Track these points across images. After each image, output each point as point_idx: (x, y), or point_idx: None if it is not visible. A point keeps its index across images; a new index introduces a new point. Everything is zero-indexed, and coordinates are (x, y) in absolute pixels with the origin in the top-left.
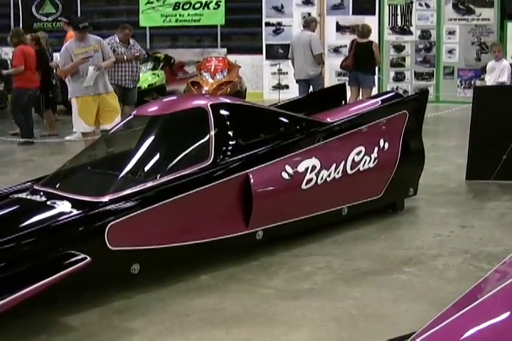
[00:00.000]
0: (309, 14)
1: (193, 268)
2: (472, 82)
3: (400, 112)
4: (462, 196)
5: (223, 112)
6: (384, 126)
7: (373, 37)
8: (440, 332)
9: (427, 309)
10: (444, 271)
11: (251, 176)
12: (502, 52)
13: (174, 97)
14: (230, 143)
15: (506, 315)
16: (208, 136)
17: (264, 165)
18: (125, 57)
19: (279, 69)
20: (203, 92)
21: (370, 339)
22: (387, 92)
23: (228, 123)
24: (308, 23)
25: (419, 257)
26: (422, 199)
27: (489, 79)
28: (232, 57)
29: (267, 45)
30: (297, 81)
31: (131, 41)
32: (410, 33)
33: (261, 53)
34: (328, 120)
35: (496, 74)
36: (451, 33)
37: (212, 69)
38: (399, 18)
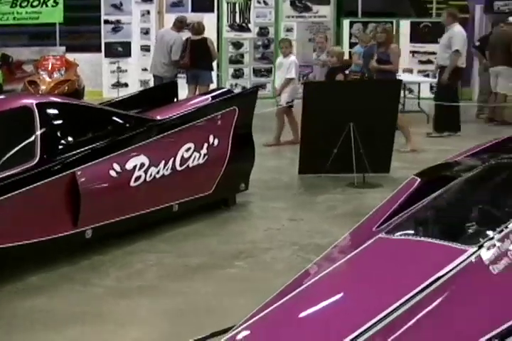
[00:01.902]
0: (148, 12)
1: (22, 270)
2: (306, 78)
3: (229, 108)
4: (294, 190)
5: (50, 111)
6: (214, 122)
7: (212, 34)
8: (260, 320)
9: (255, 301)
10: (273, 264)
11: (78, 175)
12: (290, 48)
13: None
14: (57, 142)
15: (325, 302)
16: (33, 136)
17: (91, 163)
18: None
19: (119, 67)
20: (40, 91)
21: (198, 333)
22: (218, 89)
23: (55, 122)
24: (177, 23)
25: (250, 251)
26: (255, 194)
27: (278, 76)
28: (71, 56)
29: (106, 43)
30: (153, 76)
31: None
32: (249, 30)
33: (100, 51)
34: (158, 117)
35: (284, 70)
36: (289, 30)
37: (49, 68)
38: (237, 15)
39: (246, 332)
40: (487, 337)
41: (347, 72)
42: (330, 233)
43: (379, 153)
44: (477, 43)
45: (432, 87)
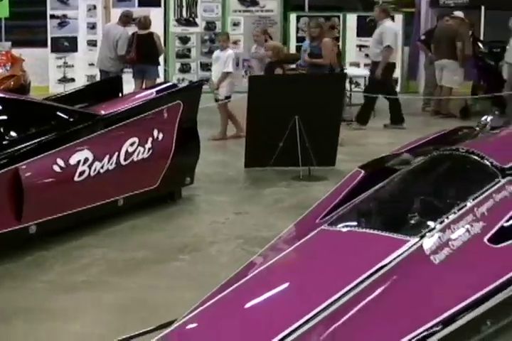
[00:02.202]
0: (95, 7)
1: None
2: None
3: (174, 102)
4: (240, 184)
5: None
6: (158, 116)
7: (159, 29)
8: (202, 313)
9: (200, 295)
10: (218, 257)
11: (21, 170)
12: (227, 42)
13: None
14: (1, 137)
15: (268, 293)
16: None
17: (35, 158)
18: None
19: (65, 63)
20: None
21: (143, 328)
22: (163, 83)
23: None
24: (123, 17)
25: (195, 245)
26: (201, 188)
27: (215, 69)
28: (17, 51)
29: (52, 38)
30: (100, 70)
31: None
32: (196, 24)
33: (46, 46)
34: (102, 112)
35: (221, 63)
36: (236, 24)
37: None
38: (184, 9)
39: (188, 325)
40: (429, 324)
41: (293, 66)
42: (275, 226)
43: (324, 147)
44: (422, 37)
45: None
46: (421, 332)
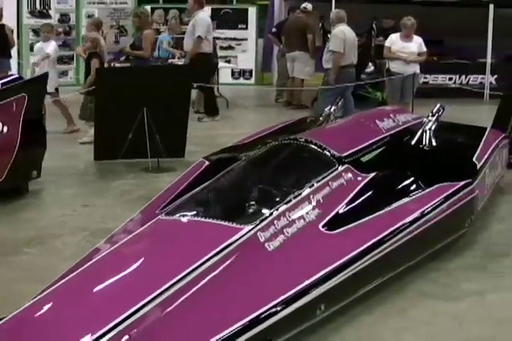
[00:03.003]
0: None
1: None
2: (112, 65)
3: (18, 95)
4: (89, 176)
5: None
6: (2, 109)
7: (11, 21)
8: (42, 300)
9: (39, 287)
10: (63, 250)
11: None
12: (51, 33)
13: None
14: None
15: (104, 281)
16: None
17: None
18: None
19: None
20: None
21: None
22: (8, 76)
23: None
24: None
25: (41, 238)
26: (49, 181)
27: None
28: None
29: None
30: None
31: None
32: (49, 16)
33: None
34: None
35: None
36: (90, 16)
37: None
38: (38, 1)
39: (27, 312)
40: (265, 308)
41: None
42: (122, 217)
43: (173, 138)
44: (274, 30)
45: (233, 73)
46: (256, 316)
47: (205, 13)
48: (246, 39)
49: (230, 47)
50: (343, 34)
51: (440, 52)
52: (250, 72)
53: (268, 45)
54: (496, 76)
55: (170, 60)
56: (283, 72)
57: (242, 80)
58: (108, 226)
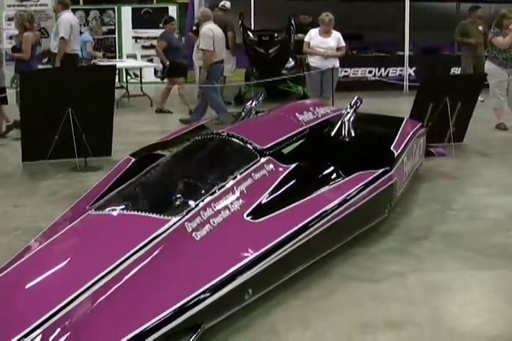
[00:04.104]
0: None
1: None
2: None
3: None
4: (18, 177)
5: None
6: None
7: None
8: None
9: None
10: None
11: None
12: None
13: None
14: None
15: (36, 277)
16: None
17: None
18: None
19: None
20: None
21: None
22: None
23: None
24: None
25: None
26: None
27: None
28: None
29: None
30: None
31: None
32: None
33: None
34: None
35: None
36: (11, 19)
37: None
38: None
39: None
40: (193, 295)
41: None
42: (52, 216)
43: (100, 137)
44: (194, 28)
45: (156, 72)
46: (186, 303)
47: (68, 14)
48: None
49: (152, 46)
50: (211, 32)
51: (360, 46)
52: None
53: (189, 43)
54: (414, 68)
55: (93, 61)
56: None
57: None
58: (39, 225)
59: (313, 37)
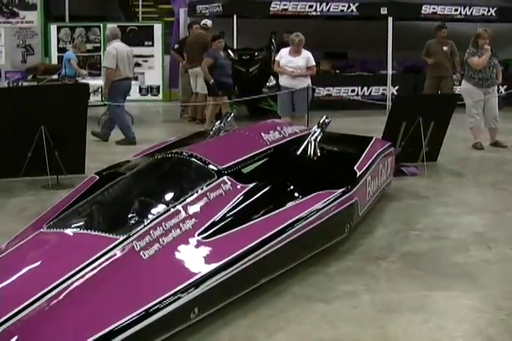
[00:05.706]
0: None
1: None
2: (20, 84)
3: None
4: None
5: None
6: None
7: None
8: None
9: None
10: None
11: None
12: None
13: None
14: None
15: None
16: None
17: None
18: None
19: None
20: None
21: None
22: None
23: None
24: None
25: None
26: None
27: None
28: None
29: None
30: None
31: None
32: None
33: None
34: None
35: None
36: None
37: None
38: None
39: None
40: (136, 312)
41: (55, 76)
42: (15, 232)
43: (73, 155)
44: (176, 46)
45: (141, 89)
46: (128, 319)
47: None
48: (152, 56)
49: (137, 65)
50: (115, 50)
51: (344, 65)
52: (158, 88)
53: (174, 61)
54: (397, 87)
55: (77, 78)
56: (186, 88)
57: (149, 97)
58: (4, 241)
59: (283, 56)
